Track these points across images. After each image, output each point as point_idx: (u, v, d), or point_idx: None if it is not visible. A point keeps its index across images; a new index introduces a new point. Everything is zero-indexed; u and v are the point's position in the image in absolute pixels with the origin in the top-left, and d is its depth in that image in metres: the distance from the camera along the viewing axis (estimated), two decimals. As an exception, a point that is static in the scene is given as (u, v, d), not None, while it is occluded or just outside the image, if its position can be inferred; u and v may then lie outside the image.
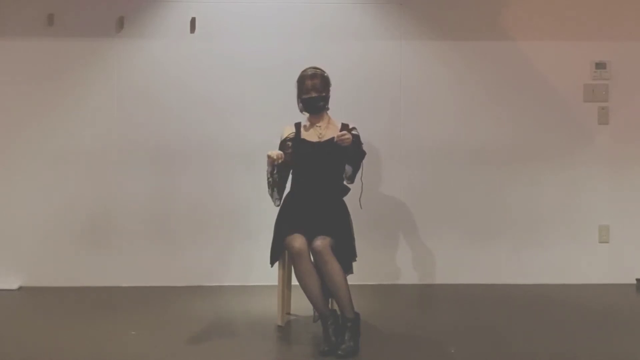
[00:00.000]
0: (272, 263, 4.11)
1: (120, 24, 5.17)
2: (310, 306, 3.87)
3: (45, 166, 5.16)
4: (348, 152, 3.98)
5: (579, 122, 5.28)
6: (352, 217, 4.15)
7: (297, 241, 3.82)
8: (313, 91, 4.07)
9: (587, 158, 5.28)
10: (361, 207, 4.30)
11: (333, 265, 3.76)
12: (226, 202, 5.20)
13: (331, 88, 4.16)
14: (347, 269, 3.88)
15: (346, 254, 3.91)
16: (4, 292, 5.01)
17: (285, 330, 4.13)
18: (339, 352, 3.59)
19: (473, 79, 5.26)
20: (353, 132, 4.11)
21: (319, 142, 4.07)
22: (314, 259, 3.82)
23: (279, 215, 4.11)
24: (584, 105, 5.28)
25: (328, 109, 4.16)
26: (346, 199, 4.14)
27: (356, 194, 4.23)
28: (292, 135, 4.12)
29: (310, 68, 4.15)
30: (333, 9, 5.22)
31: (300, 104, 4.16)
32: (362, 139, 4.19)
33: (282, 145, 4.12)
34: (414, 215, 5.26)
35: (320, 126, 4.12)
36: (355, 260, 4.02)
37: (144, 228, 5.19)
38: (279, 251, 4.07)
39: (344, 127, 4.14)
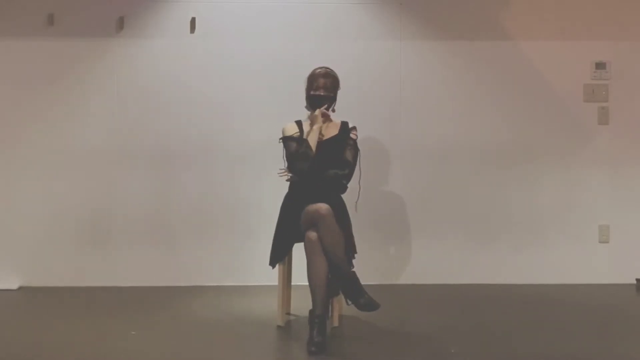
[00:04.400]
0: (272, 264, 4.10)
1: (120, 24, 5.17)
2: (310, 306, 3.86)
3: (45, 166, 5.16)
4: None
5: (579, 122, 5.28)
6: (352, 216, 4.14)
7: (314, 234, 3.79)
8: (322, 89, 4.06)
9: (587, 158, 5.28)
10: (356, 210, 4.26)
11: (322, 257, 3.75)
12: (226, 202, 5.20)
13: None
14: (348, 265, 3.87)
15: (346, 250, 3.89)
16: (4, 292, 5.01)
17: (285, 330, 4.13)
18: (313, 348, 3.60)
19: (473, 79, 5.26)
20: (352, 132, 4.11)
21: (320, 142, 4.03)
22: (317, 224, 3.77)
23: (281, 215, 4.11)
24: (584, 105, 5.28)
25: (334, 111, 4.13)
26: (344, 200, 4.13)
27: (353, 196, 4.20)
28: (297, 135, 4.07)
29: (323, 67, 4.14)
30: (333, 9, 5.23)
31: (307, 100, 4.12)
32: (362, 138, 4.16)
33: (287, 139, 4.07)
34: (414, 215, 5.26)
35: (320, 126, 4.09)
36: (354, 258, 4.01)
37: (144, 228, 5.19)
38: (279, 252, 4.07)
39: (344, 125, 4.13)
